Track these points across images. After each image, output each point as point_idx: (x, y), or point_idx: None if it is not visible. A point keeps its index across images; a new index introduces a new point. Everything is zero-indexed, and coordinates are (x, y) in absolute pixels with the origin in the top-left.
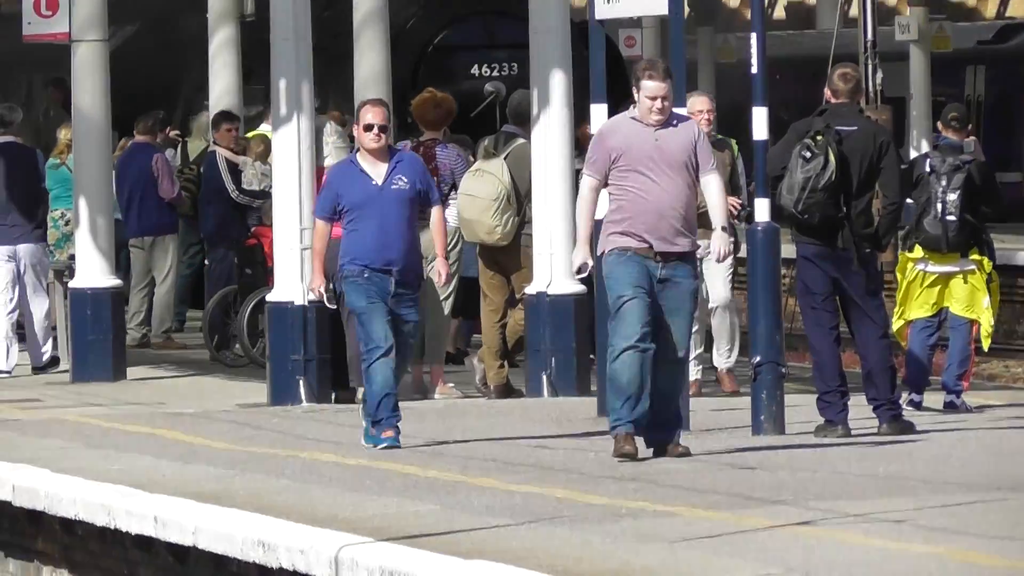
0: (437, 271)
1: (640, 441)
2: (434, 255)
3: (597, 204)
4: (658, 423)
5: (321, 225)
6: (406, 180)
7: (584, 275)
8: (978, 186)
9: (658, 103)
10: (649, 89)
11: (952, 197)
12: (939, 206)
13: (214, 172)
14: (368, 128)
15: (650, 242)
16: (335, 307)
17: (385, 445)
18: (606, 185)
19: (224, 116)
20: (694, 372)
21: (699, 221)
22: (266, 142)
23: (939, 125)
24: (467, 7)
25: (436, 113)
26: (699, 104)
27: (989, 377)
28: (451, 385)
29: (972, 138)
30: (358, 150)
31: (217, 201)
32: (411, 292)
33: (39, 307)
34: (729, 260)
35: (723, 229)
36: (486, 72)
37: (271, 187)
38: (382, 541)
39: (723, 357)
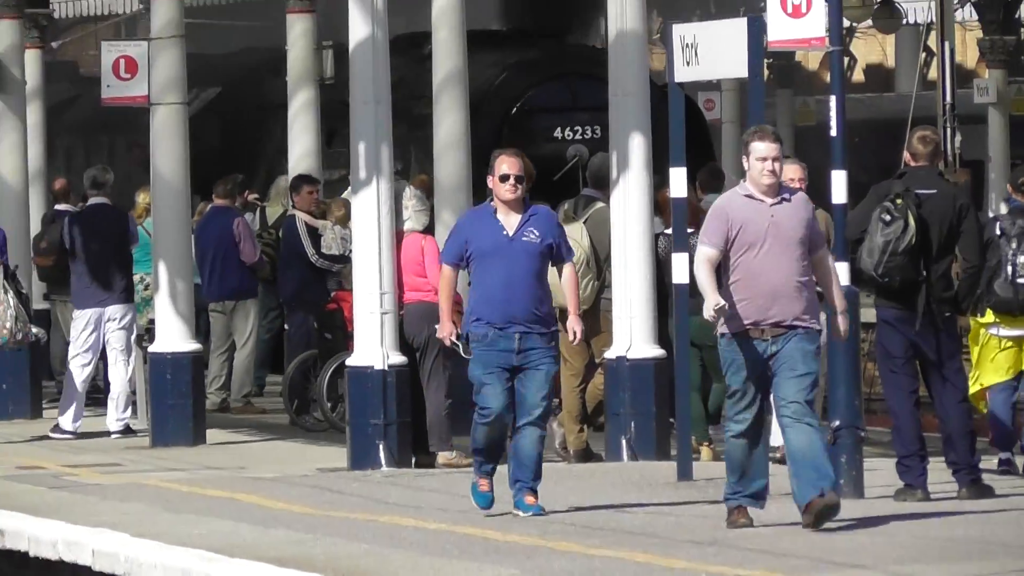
0: (571, 328)
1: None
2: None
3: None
4: (801, 482)
5: (448, 271)
6: (537, 234)
7: (725, 315)
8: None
9: (769, 164)
10: (760, 151)
11: (1022, 259)
12: (1009, 268)
13: (293, 236)
14: (504, 179)
15: (764, 326)
16: (468, 354)
17: (532, 512)
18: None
19: (304, 179)
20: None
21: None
22: (346, 206)
23: (1009, 188)
24: (551, 69)
25: None
26: (791, 172)
27: None
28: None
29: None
30: (491, 200)
31: (296, 265)
32: (538, 347)
33: (123, 370)
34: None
35: (844, 311)
36: (568, 135)
37: (351, 251)
38: None
39: None
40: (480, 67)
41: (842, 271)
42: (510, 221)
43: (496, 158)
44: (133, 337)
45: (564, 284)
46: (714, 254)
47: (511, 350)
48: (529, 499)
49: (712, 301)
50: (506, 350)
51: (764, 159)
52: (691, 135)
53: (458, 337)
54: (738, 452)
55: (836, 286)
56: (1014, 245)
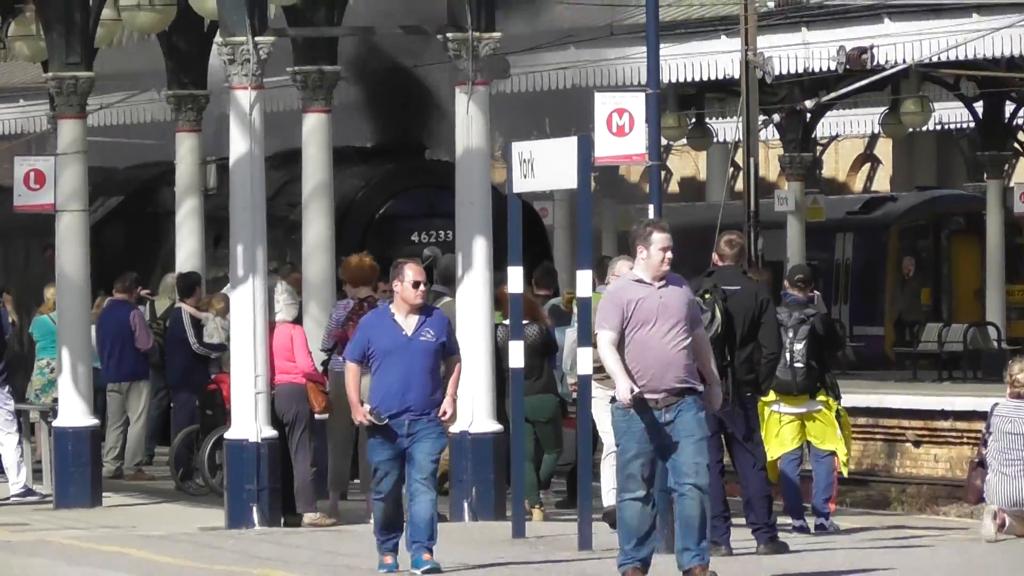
0: (444, 409)
1: None
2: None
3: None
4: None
5: (352, 366)
6: (433, 333)
7: (636, 398)
8: (822, 336)
9: (668, 253)
10: (660, 241)
11: (799, 347)
12: (788, 355)
13: (179, 326)
14: (416, 285)
15: (656, 397)
16: (386, 421)
17: (426, 568)
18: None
19: (193, 278)
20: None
21: None
22: (225, 299)
23: (786, 284)
24: (410, 181)
25: (370, 274)
26: (626, 267)
27: (852, 504)
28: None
29: (816, 293)
30: (391, 302)
31: (181, 352)
32: (426, 427)
33: (11, 441)
34: None
35: (719, 384)
36: (425, 239)
37: (229, 339)
38: None
39: None
40: (348, 178)
41: None
42: (408, 323)
43: (402, 266)
44: (38, 412)
45: (450, 369)
46: (614, 336)
47: (403, 435)
48: (425, 556)
49: (625, 387)
50: (399, 435)
51: (665, 249)
52: (530, 238)
53: (370, 412)
54: (635, 517)
55: (711, 361)
56: (791, 335)
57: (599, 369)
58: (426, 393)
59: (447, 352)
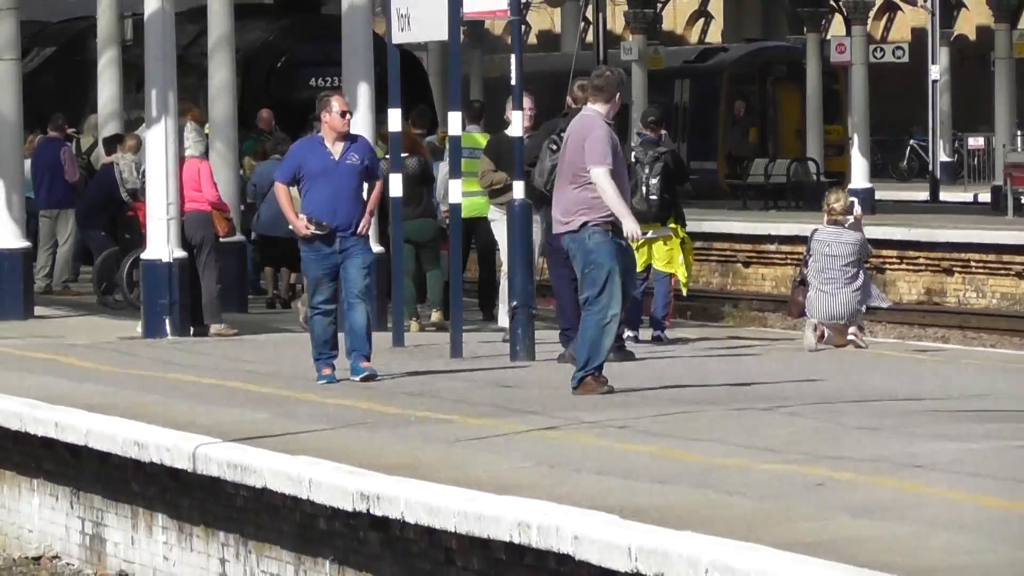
0: (362, 225)
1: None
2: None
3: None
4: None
5: (282, 187)
6: (358, 157)
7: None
8: (672, 170)
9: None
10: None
11: (654, 181)
12: (644, 188)
13: (109, 177)
14: (343, 114)
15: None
16: (326, 230)
17: (364, 375)
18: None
19: (116, 137)
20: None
21: None
22: (136, 138)
23: (640, 125)
24: (308, 33)
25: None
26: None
27: (691, 317)
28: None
29: (664, 132)
30: (319, 132)
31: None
32: (357, 242)
33: None
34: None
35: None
36: (322, 83)
37: (142, 176)
38: (229, 441)
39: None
40: (252, 31)
41: (519, 187)
42: (336, 148)
43: (328, 98)
44: None
45: (371, 192)
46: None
47: (335, 250)
48: (363, 363)
49: (633, 226)
50: (331, 251)
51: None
52: (411, 82)
53: (309, 221)
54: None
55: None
56: (647, 171)
57: (496, 192)
58: (353, 212)
59: (369, 174)
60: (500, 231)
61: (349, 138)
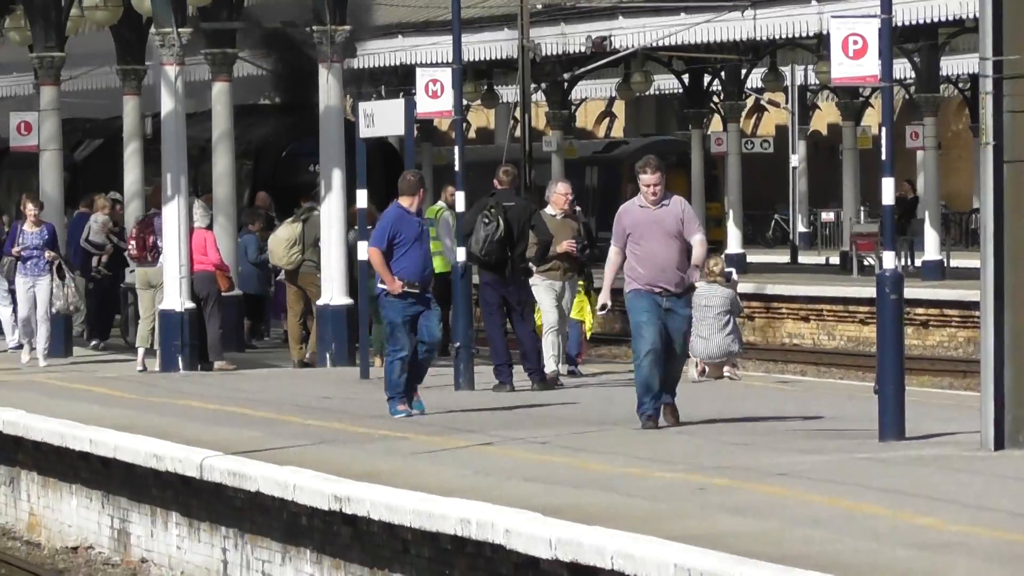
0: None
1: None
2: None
3: (616, 266)
4: None
5: (376, 251)
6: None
7: (605, 312)
8: (583, 239)
9: (651, 189)
10: (644, 180)
11: None
12: None
13: (82, 222)
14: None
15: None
16: (417, 288)
17: (419, 411)
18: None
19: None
20: None
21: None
22: (105, 199)
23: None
24: (305, 129)
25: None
26: (563, 188)
27: (597, 356)
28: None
29: (579, 208)
30: (399, 204)
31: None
32: (431, 300)
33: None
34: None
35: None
36: (317, 170)
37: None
38: (229, 454)
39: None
40: (263, 127)
41: (461, 253)
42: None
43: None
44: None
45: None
46: (617, 250)
47: (416, 304)
48: (420, 398)
49: (604, 298)
50: (414, 304)
51: (648, 185)
52: (393, 167)
53: (405, 283)
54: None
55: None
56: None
57: (543, 261)
58: (430, 271)
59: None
60: (539, 294)
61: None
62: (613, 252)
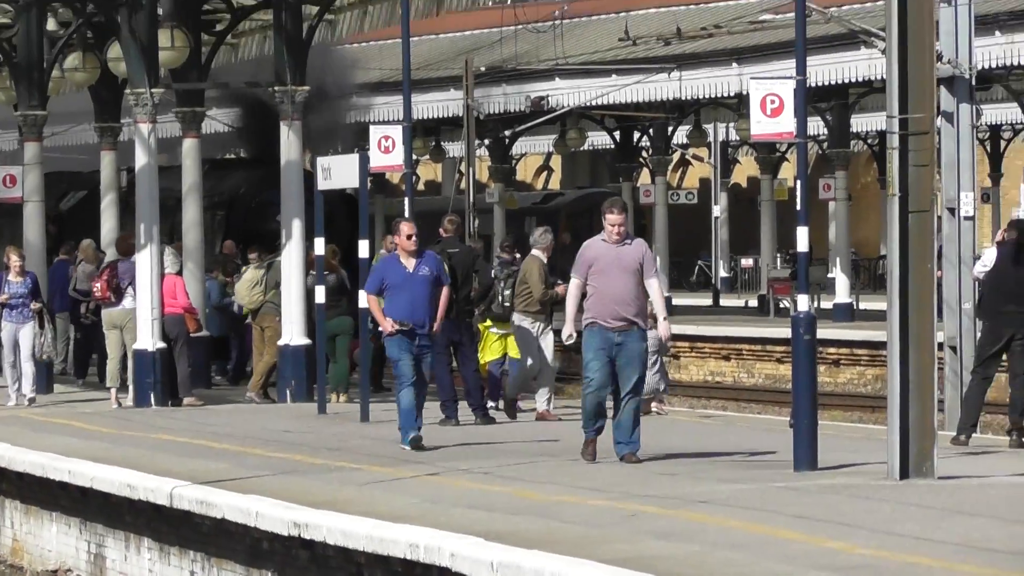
0: (435, 326)
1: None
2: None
3: (577, 298)
4: None
5: (372, 296)
6: (428, 269)
7: (571, 343)
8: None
9: (616, 228)
10: (610, 219)
11: (507, 292)
12: (500, 297)
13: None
14: (409, 237)
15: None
16: (408, 327)
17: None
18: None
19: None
20: None
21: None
22: (91, 244)
23: (497, 249)
24: (273, 181)
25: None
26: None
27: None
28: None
29: (518, 255)
30: (396, 249)
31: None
32: (428, 342)
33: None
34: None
35: (664, 318)
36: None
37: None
38: (197, 484)
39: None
40: (233, 179)
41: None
42: (410, 263)
43: (399, 223)
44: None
45: (441, 298)
46: (579, 283)
47: (412, 342)
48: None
49: (568, 330)
50: (411, 343)
51: (613, 225)
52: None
53: (395, 323)
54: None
55: (661, 301)
56: (502, 284)
57: (525, 302)
58: (427, 313)
59: (437, 282)
60: (520, 334)
61: (419, 254)
62: (574, 285)
